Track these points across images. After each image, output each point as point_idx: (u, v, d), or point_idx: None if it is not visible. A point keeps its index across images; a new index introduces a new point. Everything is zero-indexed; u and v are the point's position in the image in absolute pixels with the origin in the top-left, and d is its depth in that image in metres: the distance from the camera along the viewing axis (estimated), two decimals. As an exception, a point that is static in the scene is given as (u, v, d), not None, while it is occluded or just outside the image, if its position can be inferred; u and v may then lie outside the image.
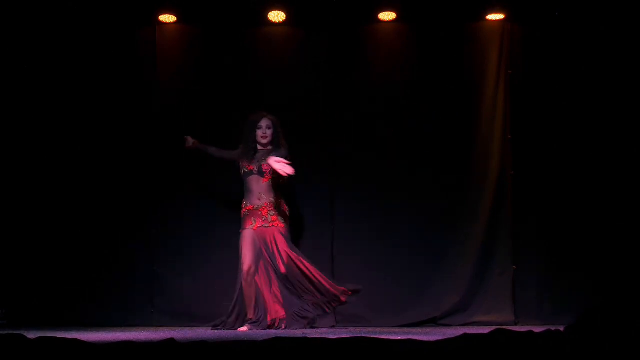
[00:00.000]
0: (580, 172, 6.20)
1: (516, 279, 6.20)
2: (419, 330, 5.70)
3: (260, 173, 5.72)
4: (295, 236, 6.24)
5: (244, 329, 5.60)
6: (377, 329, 5.74)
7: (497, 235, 6.25)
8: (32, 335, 3.47)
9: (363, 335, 3.68)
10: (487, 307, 6.18)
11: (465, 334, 3.48)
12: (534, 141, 6.27)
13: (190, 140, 5.91)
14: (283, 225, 5.75)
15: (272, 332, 5.34)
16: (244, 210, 5.77)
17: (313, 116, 6.36)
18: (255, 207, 5.71)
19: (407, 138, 6.35)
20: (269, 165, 5.60)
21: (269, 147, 5.79)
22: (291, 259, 5.66)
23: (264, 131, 5.78)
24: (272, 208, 5.71)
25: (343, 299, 5.67)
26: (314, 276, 5.64)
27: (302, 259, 5.68)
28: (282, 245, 5.69)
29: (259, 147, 5.81)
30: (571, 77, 6.25)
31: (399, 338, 3.75)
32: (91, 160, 6.39)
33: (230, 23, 6.45)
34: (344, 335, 3.66)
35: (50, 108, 6.43)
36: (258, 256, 5.66)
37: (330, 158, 6.35)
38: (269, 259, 5.67)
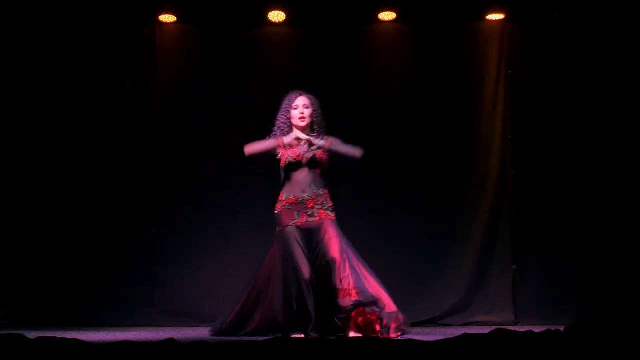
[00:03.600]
0: (580, 172, 6.20)
1: (516, 279, 6.20)
2: (419, 330, 5.70)
3: (314, 164, 4.99)
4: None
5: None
6: (377, 329, 5.73)
7: (497, 235, 6.25)
8: (32, 335, 3.47)
9: (363, 335, 3.68)
10: (487, 307, 6.18)
11: (465, 334, 3.48)
12: (534, 141, 6.27)
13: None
14: (332, 218, 4.96)
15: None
16: (283, 203, 4.99)
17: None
18: (299, 199, 4.95)
19: (407, 138, 6.36)
20: (323, 154, 4.99)
21: (307, 131, 5.10)
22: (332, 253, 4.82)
23: (301, 110, 5.07)
24: (319, 202, 4.96)
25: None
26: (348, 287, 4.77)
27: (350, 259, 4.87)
28: (332, 235, 4.86)
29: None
30: (571, 77, 6.25)
31: (399, 338, 3.76)
32: (91, 159, 6.39)
33: (230, 23, 6.45)
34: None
35: (50, 108, 6.43)
36: (309, 257, 4.87)
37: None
38: (313, 257, 4.88)
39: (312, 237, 4.88)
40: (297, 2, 6.32)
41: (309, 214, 4.91)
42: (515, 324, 6.06)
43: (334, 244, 4.83)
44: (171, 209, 6.35)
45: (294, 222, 4.90)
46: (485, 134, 6.35)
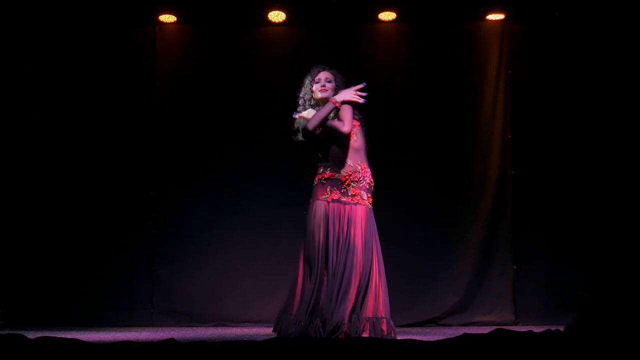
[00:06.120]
0: (580, 172, 6.20)
1: (516, 279, 6.20)
2: (419, 330, 5.71)
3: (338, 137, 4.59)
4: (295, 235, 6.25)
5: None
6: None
7: (497, 235, 6.25)
8: (32, 335, 3.47)
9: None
10: (487, 307, 6.18)
11: (465, 334, 3.48)
12: (534, 141, 6.28)
13: None
14: (365, 203, 4.58)
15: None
16: (319, 177, 4.65)
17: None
18: (334, 175, 4.61)
19: (407, 138, 6.36)
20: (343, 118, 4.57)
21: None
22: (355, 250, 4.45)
23: (322, 84, 4.76)
24: (356, 178, 4.59)
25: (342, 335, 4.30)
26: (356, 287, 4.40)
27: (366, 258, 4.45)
28: (359, 227, 4.50)
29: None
30: (571, 77, 6.26)
31: (399, 338, 3.76)
32: (91, 159, 6.40)
33: (230, 23, 6.45)
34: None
35: (50, 108, 6.43)
36: (327, 238, 4.52)
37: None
38: (335, 244, 4.51)
39: (340, 220, 4.53)
40: (297, 2, 6.32)
41: (342, 191, 4.55)
42: (515, 324, 6.06)
43: (353, 240, 4.46)
44: (171, 209, 6.35)
45: (325, 197, 4.57)
46: (485, 133, 6.35)
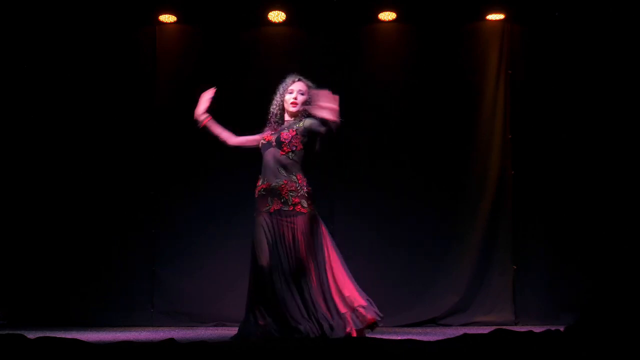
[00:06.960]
0: (580, 172, 6.21)
1: (516, 279, 6.20)
2: (419, 330, 5.71)
3: (278, 145, 4.61)
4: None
5: None
6: (378, 329, 5.73)
7: (497, 235, 6.25)
8: (32, 335, 3.47)
9: (363, 335, 3.68)
10: (487, 307, 6.18)
11: (465, 334, 3.48)
12: (534, 141, 6.28)
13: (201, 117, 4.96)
14: (307, 210, 4.57)
15: None
16: (258, 189, 4.64)
17: (313, 116, 6.36)
18: (272, 185, 4.58)
19: (408, 138, 6.36)
20: (289, 135, 4.60)
21: (299, 118, 4.71)
22: (305, 254, 4.52)
23: (295, 96, 4.72)
24: (292, 188, 4.57)
25: (348, 329, 4.43)
26: (326, 287, 4.50)
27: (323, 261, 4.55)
28: (304, 234, 4.55)
29: (287, 118, 4.76)
30: (571, 76, 6.26)
31: (399, 338, 3.76)
32: (91, 159, 6.40)
33: (230, 23, 6.46)
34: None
35: (50, 108, 6.44)
36: (274, 247, 4.54)
37: (330, 158, 6.34)
38: (284, 252, 4.54)
39: (285, 229, 4.54)
40: (297, 2, 6.32)
41: (282, 201, 4.54)
42: (515, 324, 6.06)
43: (302, 249, 4.53)
44: (171, 209, 6.36)
45: (267, 208, 4.57)
46: (485, 133, 6.36)
